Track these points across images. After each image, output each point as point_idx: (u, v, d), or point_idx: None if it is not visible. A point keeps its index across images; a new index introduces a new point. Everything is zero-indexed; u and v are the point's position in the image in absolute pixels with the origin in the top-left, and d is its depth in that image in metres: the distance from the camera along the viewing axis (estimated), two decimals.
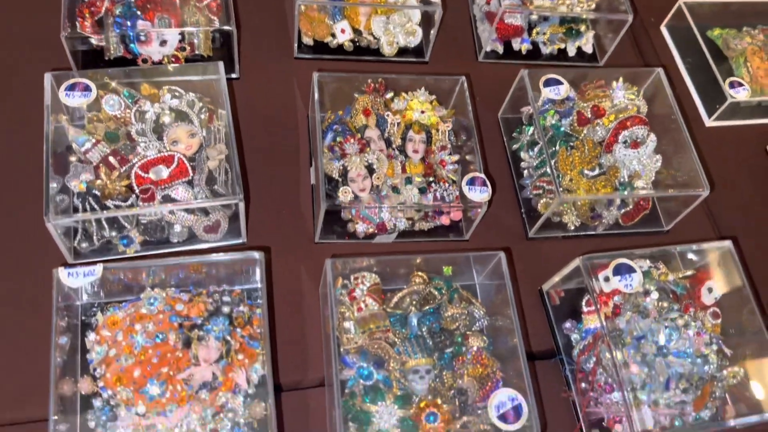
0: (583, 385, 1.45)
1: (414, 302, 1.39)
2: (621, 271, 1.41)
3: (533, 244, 1.66)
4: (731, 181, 1.83)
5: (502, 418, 1.25)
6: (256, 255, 1.32)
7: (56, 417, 1.20)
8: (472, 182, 1.49)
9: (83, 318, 1.36)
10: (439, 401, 1.32)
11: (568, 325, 1.51)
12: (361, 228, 1.54)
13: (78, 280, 1.23)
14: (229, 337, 1.27)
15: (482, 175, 1.50)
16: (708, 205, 1.77)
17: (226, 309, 1.29)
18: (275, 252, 1.54)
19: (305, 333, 1.46)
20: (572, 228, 1.65)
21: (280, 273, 1.52)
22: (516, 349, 1.35)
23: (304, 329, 1.47)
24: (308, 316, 1.48)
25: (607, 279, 1.43)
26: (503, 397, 1.27)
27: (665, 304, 1.46)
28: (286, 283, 1.51)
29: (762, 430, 1.49)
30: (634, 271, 1.41)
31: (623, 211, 1.66)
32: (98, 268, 1.25)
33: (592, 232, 1.67)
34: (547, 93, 1.62)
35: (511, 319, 1.37)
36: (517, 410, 1.26)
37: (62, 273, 1.23)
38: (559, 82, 1.62)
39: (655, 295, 1.46)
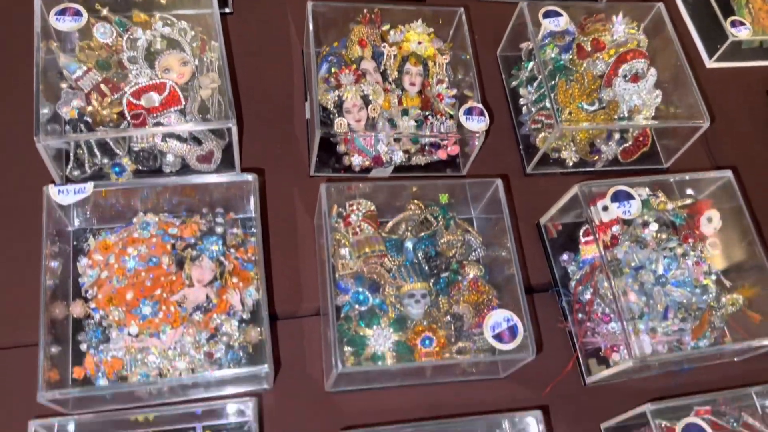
0: (579, 315, 1.44)
1: (410, 228, 1.37)
2: (619, 198, 1.39)
3: (531, 180, 1.64)
4: (731, 122, 1.81)
5: (498, 338, 1.24)
6: (250, 177, 1.30)
7: (47, 339, 1.18)
8: (469, 112, 1.47)
9: (74, 243, 1.34)
10: (434, 326, 1.31)
11: (565, 257, 1.50)
12: (356, 161, 1.53)
13: (68, 197, 1.21)
14: (222, 258, 1.26)
15: (480, 105, 1.48)
16: (708, 144, 1.75)
17: (219, 229, 1.27)
18: (270, 185, 1.52)
19: (300, 264, 1.45)
20: (570, 164, 1.63)
21: (275, 206, 1.50)
22: (512, 278, 1.33)
23: (300, 261, 1.45)
24: (303, 248, 1.47)
25: (605, 208, 1.42)
26: (498, 317, 1.25)
27: (664, 236, 1.44)
28: (280, 215, 1.49)
29: (761, 367, 1.48)
30: (632, 198, 1.39)
31: (622, 147, 1.64)
32: (89, 186, 1.23)
33: (591, 169, 1.65)
34: (547, 24, 1.59)
35: (508, 249, 1.36)
36: (512, 330, 1.24)
37: (52, 190, 1.21)
38: (558, 14, 1.60)
39: (654, 226, 1.45)
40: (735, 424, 1.30)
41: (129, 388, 1.18)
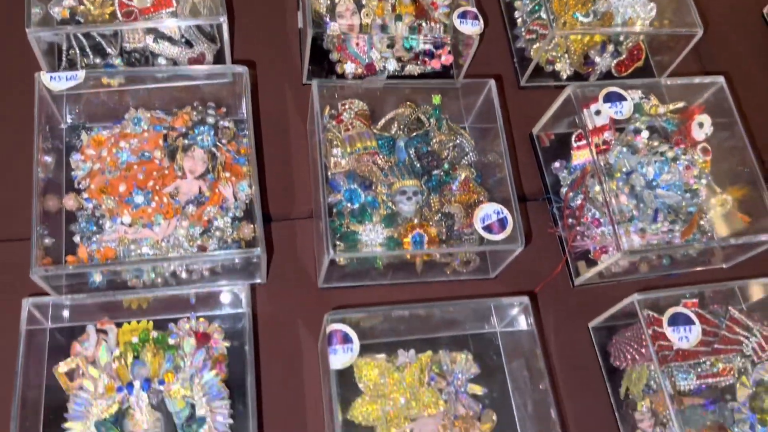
0: (570, 221, 1.45)
1: (402, 127, 1.38)
2: (611, 99, 1.39)
3: (525, 93, 1.64)
4: (724, 39, 1.80)
5: (487, 229, 1.25)
6: (240, 69, 1.29)
7: (40, 227, 1.18)
8: (463, 16, 1.46)
9: (67, 140, 1.35)
10: (425, 224, 1.31)
11: (557, 164, 1.51)
12: (349, 69, 1.52)
13: (60, 83, 1.21)
14: (214, 150, 1.26)
15: (474, 9, 1.46)
16: (700, 59, 1.75)
17: (210, 120, 1.27)
18: (262, 93, 1.52)
19: (293, 168, 1.46)
20: (564, 77, 1.63)
21: (268, 112, 1.50)
22: (503, 180, 1.34)
23: (292, 165, 1.46)
24: (296, 153, 1.47)
25: (597, 113, 1.42)
26: (489, 210, 1.26)
27: (655, 143, 1.45)
28: (273, 121, 1.50)
29: (749, 274, 1.49)
30: (624, 99, 1.39)
31: (616, 60, 1.63)
32: (81, 73, 1.23)
33: (585, 82, 1.65)
34: None
35: (500, 153, 1.36)
36: (501, 222, 1.25)
37: (44, 77, 1.21)
38: None
39: (645, 134, 1.45)
40: (722, 320, 1.32)
41: (122, 267, 1.18)
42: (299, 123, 1.50)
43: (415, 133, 1.37)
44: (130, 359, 1.12)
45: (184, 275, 1.28)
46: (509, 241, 1.25)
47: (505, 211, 1.27)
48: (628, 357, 1.29)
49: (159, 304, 1.21)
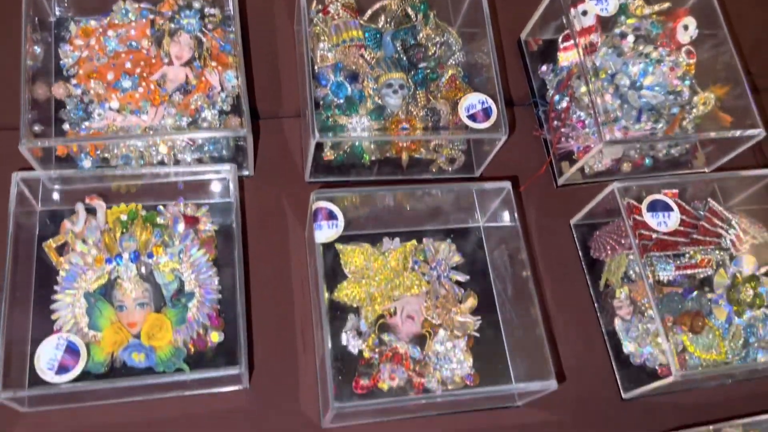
0: (555, 123, 1.46)
1: (389, 20, 1.38)
2: None
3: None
4: None
5: (472, 118, 1.27)
6: None
7: (29, 114, 1.19)
8: None
9: (56, 32, 1.35)
10: (411, 118, 1.33)
11: (543, 68, 1.52)
12: None
13: None
14: (200, 35, 1.27)
15: None
16: None
17: (197, 4, 1.28)
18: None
19: (281, 68, 1.46)
20: None
21: (255, 13, 1.50)
22: (490, 81, 1.34)
23: (280, 65, 1.47)
24: (283, 54, 1.48)
25: (584, 13, 1.43)
26: (474, 99, 1.28)
27: (641, 47, 1.46)
28: (260, 23, 1.50)
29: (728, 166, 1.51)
30: None
31: None
32: None
33: None
34: None
35: (487, 53, 1.36)
36: (486, 112, 1.27)
37: None
38: None
39: (631, 38, 1.46)
40: (701, 213, 1.34)
41: (111, 140, 1.20)
42: (287, 24, 1.51)
43: (402, 27, 1.38)
44: (118, 235, 1.14)
45: (172, 164, 1.29)
46: (493, 130, 1.27)
47: (490, 101, 1.28)
48: (608, 248, 1.32)
49: (148, 189, 1.23)
